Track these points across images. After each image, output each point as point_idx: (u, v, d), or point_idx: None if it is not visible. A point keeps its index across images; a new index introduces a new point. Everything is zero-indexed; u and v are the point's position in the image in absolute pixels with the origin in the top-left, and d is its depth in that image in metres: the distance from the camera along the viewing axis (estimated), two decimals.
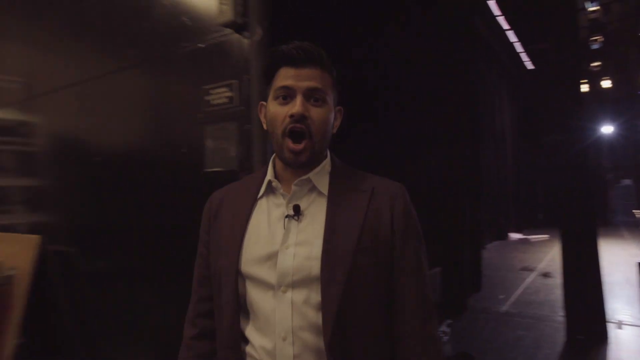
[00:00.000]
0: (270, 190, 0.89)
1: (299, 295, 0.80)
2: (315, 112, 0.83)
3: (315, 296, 0.79)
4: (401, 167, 3.00)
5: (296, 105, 0.81)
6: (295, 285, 0.80)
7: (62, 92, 1.92)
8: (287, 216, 0.85)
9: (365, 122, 2.30)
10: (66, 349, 2.06)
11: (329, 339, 0.77)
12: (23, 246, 2.00)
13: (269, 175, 0.89)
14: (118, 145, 1.73)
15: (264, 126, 0.88)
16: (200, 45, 1.36)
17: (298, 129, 0.81)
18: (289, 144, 0.82)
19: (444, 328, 2.90)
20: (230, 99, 1.28)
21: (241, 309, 0.85)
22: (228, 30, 1.27)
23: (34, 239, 2.00)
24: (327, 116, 0.85)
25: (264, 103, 0.89)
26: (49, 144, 2.14)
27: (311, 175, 0.87)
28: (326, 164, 0.90)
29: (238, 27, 1.24)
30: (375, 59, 2.49)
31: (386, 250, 0.84)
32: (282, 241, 0.83)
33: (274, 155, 0.91)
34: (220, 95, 1.31)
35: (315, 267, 0.80)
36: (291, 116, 0.81)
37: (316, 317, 0.79)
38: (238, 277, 0.84)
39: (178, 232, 1.50)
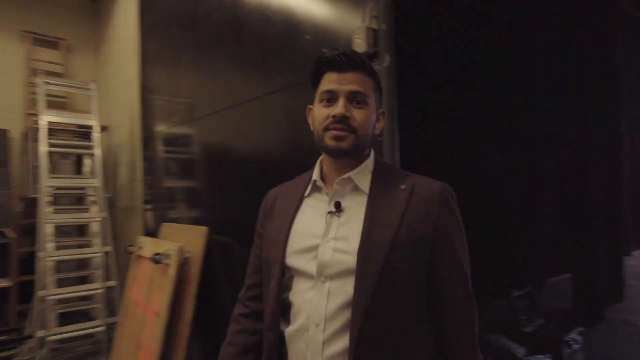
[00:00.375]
0: (316, 189, 0.97)
1: (335, 286, 0.84)
2: (357, 113, 0.89)
3: (350, 289, 0.83)
4: (530, 164, 2.95)
5: (338, 107, 0.87)
6: (333, 277, 0.85)
7: (222, 112, 2.37)
8: (329, 212, 0.90)
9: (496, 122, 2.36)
10: (225, 325, 2.53)
11: (356, 331, 0.80)
12: (196, 235, 2.53)
13: (315, 175, 0.97)
14: (267, 154, 2.11)
15: (311, 127, 0.97)
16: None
17: (338, 127, 0.88)
18: (332, 132, 0.88)
19: (574, 335, 2.78)
20: None
21: (283, 296, 0.92)
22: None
23: (203, 229, 2.51)
24: (368, 117, 0.90)
25: (311, 107, 0.97)
26: (209, 153, 2.63)
27: (352, 174, 0.92)
28: (369, 163, 0.94)
29: (370, 56, 1.47)
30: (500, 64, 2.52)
31: (424, 247, 0.86)
32: (323, 235, 0.88)
33: (321, 157, 0.99)
34: None
35: (351, 261, 0.84)
36: (333, 116, 0.87)
37: (348, 308, 0.83)
38: (284, 268, 0.92)
39: None
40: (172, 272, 2.39)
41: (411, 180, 0.91)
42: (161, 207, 3.20)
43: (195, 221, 2.75)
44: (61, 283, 3.48)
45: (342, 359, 0.82)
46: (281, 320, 0.92)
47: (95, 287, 3.44)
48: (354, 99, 0.89)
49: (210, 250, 2.52)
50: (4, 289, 3.60)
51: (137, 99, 3.55)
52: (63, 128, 3.80)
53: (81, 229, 4.08)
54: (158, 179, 3.23)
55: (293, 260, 0.90)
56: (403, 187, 0.90)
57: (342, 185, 0.92)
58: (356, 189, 0.92)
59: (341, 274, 0.85)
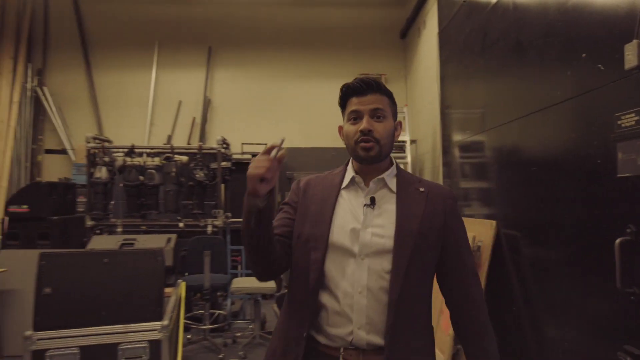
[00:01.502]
0: (352, 183, 1.18)
1: (373, 262, 1.08)
2: (378, 126, 1.12)
3: (387, 264, 1.07)
4: None
5: (363, 123, 1.11)
6: (370, 255, 1.08)
7: (507, 123, 2.80)
8: (365, 205, 1.13)
9: None
10: (512, 305, 2.91)
11: (396, 295, 1.05)
12: (486, 228, 3.04)
13: (352, 172, 1.19)
14: (547, 157, 2.41)
15: (343, 142, 1.19)
16: (612, 84, 1.84)
17: (365, 139, 1.10)
18: (362, 144, 1.11)
19: None
20: (637, 122, 1.69)
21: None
22: (634, 72, 1.69)
23: (492, 223, 2.99)
24: (387, 128, 1.14)
25: (342, 125, 1.20)
26: (497, 157, 3.08)
27: (384, 176, 1.16)
28: (393, 169, 1.19)
29: None
30: None
31: (438, 236, 1.12)
32: (363, 222, 1.11)
33: (349, 161, 1.23)
34: (628, 119, 1.74)
35: (387, 243, 1.08)
36: (361, 131, 1.11)
37: (385, 280, 1.07)
38: (328, 244, 1.10)
39: (592, 228, 1.99)
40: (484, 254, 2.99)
41: (424, 184, 1.19)
42: (459, 205, 3.84)
43: (486, 217, 3.25)
44: None
45: (380, 318, 1.06)
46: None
47: None
48: (374, 114, 1.13)
49: (500, 241, 2.96)
50: None
51: (437, 115, 4.36)
52: None
53: None
54: (455, 181, 3.90)
55: (337, 238, 1.10)
56: (422, 189, 1.17)
57: (376, 184, 1.16)
58: (386, 187, 1.17)
59: (377, 253, 1.08)
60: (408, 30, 5.87)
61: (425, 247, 1.10)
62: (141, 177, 4.36)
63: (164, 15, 6.15)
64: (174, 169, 4.37)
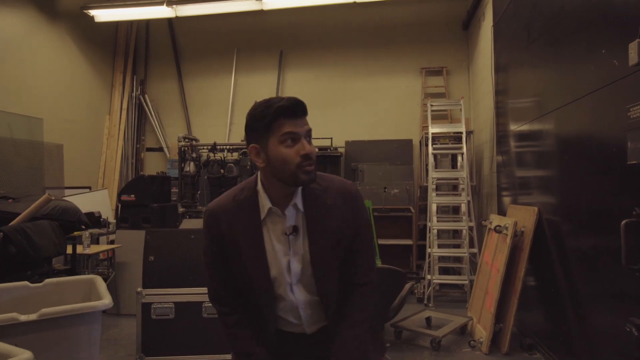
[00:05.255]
0: (270, 213, 1.21)
1: (305, 285, 1.25)
2: (311, 147, 1.14)
3: (314, 281, 1.23)
4: None
5: (306, 147, 1.12)
6: (301, 280, 1.24)
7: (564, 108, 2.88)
8: (288, 234, 1.20)
9: None
10: (550, 284, 3.02)
11: (329, 300, 1.26)
12: (529, 214, 3.17)
13: (267, 202, 1.20)
14: (575, 146, 2.53)
15: (258, 163, 1.17)
16: (624, 79, 1.98)
17: (310, 163, 1.12)
18: (305, 168, 1.12)
19: None
20: None
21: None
22: (636, 69, 1.84)
23: (534, 209, 3.12)
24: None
25: (257, 146, 1.15)
26: (544, 148, 3.18)
27: (296, 201, 1.20)
28: (299, 190, 1.21)
29: None
30: None
31: (349, 236, 1.24)
32: (291, 252, 1.21)
33: (258, 182, 1.22)
34: (636, 111, 1.89)
35: (308, 267, 1.21)
36: (305, 155, 1.11)
37: (316, 292, 1.24)
38: (271, 281, 1.22)
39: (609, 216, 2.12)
40: (508, 240, 3.17)
41: (330, 192, 1.23)
42: (511, 193, 3.96)
43: (532, 204, 3.37)
44: (441, 246, 4.90)
45: (320, 316, 1.29)
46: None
47: (462, 252, 4.64)
48: (308, 135, 1.14)
49: (542, 226, 3.09)
50: (408, 247, 5.40)
51: (492, 106, 4.45)
52: (443, 135, 5.21)
53: (455, 209, 5.41)
54: (510, 170, 4.01)
55: (276, 272, 1.22)
56: (329, 201, 1.22)
57: (291, 211, 1.21)
58: (299, 212, 1.22)
59: (304, 277, 1.23)
60: (470, 22, 5.91)
61: (341, 248, 1.24)
62: (222, 170, 5.05)
63: (242, 24, 6.85)
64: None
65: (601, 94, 2.20)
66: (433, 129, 4.96)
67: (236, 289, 1.30)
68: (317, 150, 1.47)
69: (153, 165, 7.01)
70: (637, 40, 1.80)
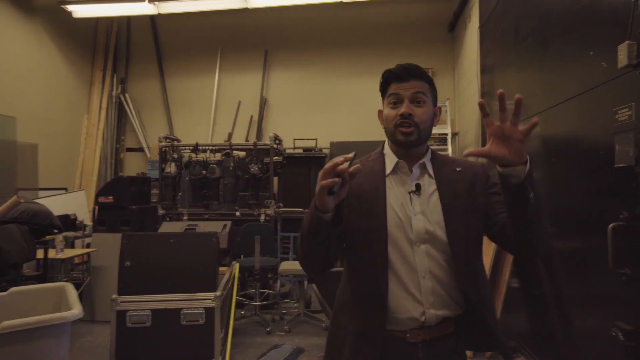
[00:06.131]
0: (395, 170, 1.18)
1: (429, 249, 1.10)
2: (418, 110, 1.12)
3: (442, 252, 1.10)
4: None
5: (404, 107, 1.12)
6: (425, 242, 1.11)
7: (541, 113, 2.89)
8: (411, 192, 1.14)
9: None
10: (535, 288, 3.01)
11: (462, 277, 1.09)
12: None
13: (393, 157, 1.18)
14: (562, 149, 2.51)
15: (382, 126, 1.20)
16: (612, 81, 1.95)
17: (405, 122, 1.11)
18: (401, 129, 1.12)
19: None
20: (630, 116, 1.81)
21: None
22: (627, 70, 1.80)
23: None
24: (427, 113, 1.13)
25: (381, 109, 1.20)
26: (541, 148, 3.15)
27: (425, 161, 1.17)
28: (429, 154, 1.20)
29: (634, 67, 1.76)
30: None
31: (482, 208, 1.13)
32: (413, 210, 1.12)
33: (385, 144, 1.22)
34: (623, 114, 1.85)
35: (438, 231, 1.10)
36: (401, 115, 1.11)
37: (443, 261, 1.10)
38: (387, 235, 1.11)
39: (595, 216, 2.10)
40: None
41: (458, 163, 1.21)
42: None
43: None
44: None
45: (448, 293, 1.11)
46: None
47: None
48: (415, 99, 1.13)
49: None
50: None
51: (478, 108, 4.43)
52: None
53: None
54: (496, 173, 3.98)
55: (394, 228, 1.12)
56: (458, 169, 1.19)
57: (418, 169, 1.17)
58: (427, 173, 1.18)
59: (431, 240, 1.11)
60: (455, 23, 5.91)
61: (474, 222, 1.13)
62: (204, 172, 4.92)
63: (226, 23, 6.72)
64: (232, 164, 4.88)
65: (589, 96, 2.18)
66: None
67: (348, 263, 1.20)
68: (423, 114, 1.15)
69: (133, 166, 6.83)
70: (627, 41, 1.77)
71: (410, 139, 1.13)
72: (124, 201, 4.43)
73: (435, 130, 5.08)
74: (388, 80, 1.17)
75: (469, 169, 1.19)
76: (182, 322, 2.80)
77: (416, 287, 1.10)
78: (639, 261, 1.76)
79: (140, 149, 6.88)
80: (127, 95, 6.85)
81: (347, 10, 6.37)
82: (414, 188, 1.14)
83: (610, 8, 1.98)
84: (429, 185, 1.16)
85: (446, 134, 4.86)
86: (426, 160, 1.18)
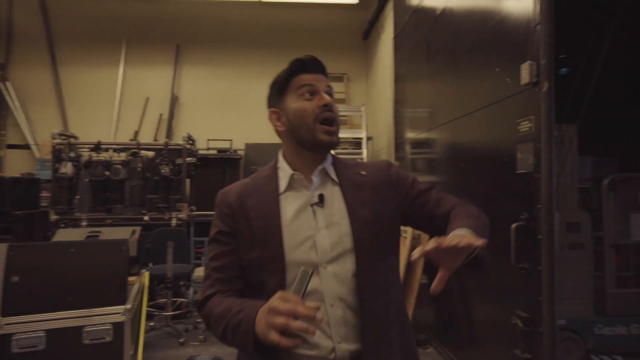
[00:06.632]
0: (291, 183, 1.01)
1: (338, 267, 0.95)
2: (332, 102, 1.00)
3: (351, 265, 0.95)
4: None
5: (323, 97, 0.98)
6: (333, 260, 0.95)
7: (447, 123, 3.12)
8: (313, 204, 0.98)
9: None
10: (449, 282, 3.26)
11: (367, 294, 0.94)
12: None
13: (287, 169, 1.02)
14: (471, 155, 2.74)
15: (279, 128, 1.04)
16: (515, 95, 2.17)
17: (330, 115, 0.98)
18: (324, 127, 0.97)
19: None
20: (530, 127, 2.03)
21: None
22: (528, 87, 2.02)
23: None
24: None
25: (276, 110, 1.04)
26: (439, 154, 3.41)
27: (326, 166, 1.03)
28: (329, 157, 1.06)
29: (533, 84, 1.97)
30: None
31: (394, 213, 1.02)
32: (315, 226, 0.96)
33: (281, 154, 1.07)
34: (524, 125, 2.07)
35: (347, 242, 0.96)
36: (324, 105, 0.98)
37: (352, 282, 0.95)
38: (285, 265, 0.93)
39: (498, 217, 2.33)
40: (407, 242, 3.32)
41: (362, 166, 1.09)
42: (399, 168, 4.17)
43: None
44: None
45: (356, 321, 0.94)
46: None
47: None
48: (328, 92, 1.01)
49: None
50: None
51: (391, 114, 4.68)
52: (343, 140, 5.33)
53: None
54: None
55: (293, 254, 0.94)
56: (363, 172, 1.06)
57: (319, 177, 1.02)
58: (329, 179, 1.04)
59: (339, 256, 0.96)
60: (370, 32, 6.16)
61: (384, 230, 1.00)
62: (107, 172, 4.48)
63: (132, 12, 6.21)
64: (140, 164, 4.51)
65: (495, 108, 2.40)
66: None
67: (241, 289, 1.00)
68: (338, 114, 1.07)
69: (17, 165, 5.96)
70: (528, 61, 1.98)
71: (334, 139, 1.00)
72: (4, 206, 3.86)
73: (351, 135, 5.25)
74: (296, 70, 1.02)
75: (375, 170, 1.08)
76: (85, 342, 2.50)
77: (324, 319, 0.93)
78: (536, 257, 1.98)
79: (26, 146, 6.04)
80: (7, 83, 5.98)
81: (264, 11, 6.30)
82: (316, 199, 0.99)
83: (513, 30, 2.20)
84: (333, 192, 1.02)
85: (361, 138, 5.04)
86: (327, 164, 1.04)
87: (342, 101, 6.28)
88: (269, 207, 0.99)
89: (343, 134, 5.26)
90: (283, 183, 1.02)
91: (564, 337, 2.69)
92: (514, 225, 2.08)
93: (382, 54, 5.33)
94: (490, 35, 2.46)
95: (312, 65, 1.01)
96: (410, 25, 4.06)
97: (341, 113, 5.59)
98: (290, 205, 0.99)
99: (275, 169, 1.06)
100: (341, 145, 5.27)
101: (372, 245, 0.97)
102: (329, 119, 0.98)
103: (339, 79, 6.42)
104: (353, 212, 0.98)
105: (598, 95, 3.31)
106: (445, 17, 3.16)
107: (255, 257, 0.96)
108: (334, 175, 1.04)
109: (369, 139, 5.25)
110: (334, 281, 0.95)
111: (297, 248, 0.95)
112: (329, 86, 1.03)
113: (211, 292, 0.99)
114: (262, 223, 0.97)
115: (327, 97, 0.99)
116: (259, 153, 6.06)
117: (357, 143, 5.20)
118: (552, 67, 1.92)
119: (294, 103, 1.00)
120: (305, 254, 0.95)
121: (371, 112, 5.95)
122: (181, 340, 3.56)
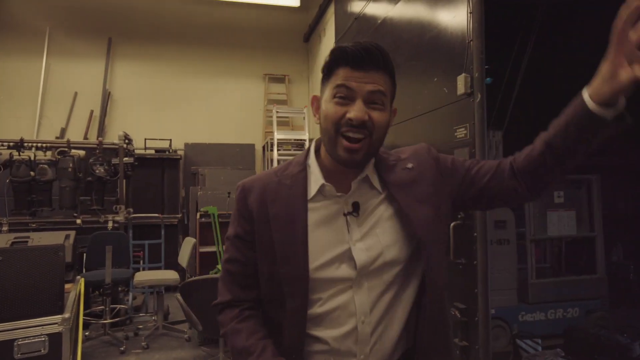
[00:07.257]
0: (321, 191, 0.87)
1: (372, 281, 0.84)
2: (376, 115, 0.82)
3: (387, 277, 0.85)
4: None
5: (355, 110, 0.80)
6: (370, 274, 0.84)
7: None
8: (347, 214, 0.85)
9: None
10: None
11: (428, 298, 0.86)
12: None
13: (319, 176, 0.87)
14: None
15: (315, 118, 0.90)
16: (452, 104, 2.36)
17: (354, 138, 0.81)
18: (344, 142, 0.81)
19: None
20: (465, 134, 2.22)
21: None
22: (464, 97, 2.22)
23: None
24: (385, 119, 0.84)
25: (318, 96, 0.89)
26: None
27: (368, 172, 0.88)
28: (372, 160, 0.90)
29: (468, 95, 2.17)
30: None
31: (447, 201, 0.92)
32: (350, 239, 0.84)
33: (310, 150, 0.93)
34: (461, 132, 2.27)
35: (387, 254, 0.85)
36: (350, 120, 0.80)
37: (388, 296, 0.85)
38: (309, 286, 0.82)
39: None
40: None
41: (405, 157, 0.95)
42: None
43: None
44: None
45: (390, 336, 0.86)
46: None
47: None
48: (371, 99, 0.82)
49: None
50: None
51: None
52: (286, 141, 5.39)
53: None
54: None
55: (321, 273, 0.84)
56: (409, 165, 0.92)
57: (358, 184, 0.88)
58: (369, 186, 0.90)
59: (377, 270, 0.85)
60: (311, 35, 6.27)
61: (444, 224, 0.92)
62: (32, 173, 4.15)
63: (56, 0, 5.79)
64: (71, 164, 4.23)
65: (435, 114, 2.59)
66: (279, 135, 5.08)
67: (260, 296, 0.92)
68: (379, 121, 0.84)
69: None
70: (464, 74, 2.18)
71: (356, 157, 0.83)
72: None
73: (293, 136, 5.32)
74: (337, 61, 0.84)
75: (419, 160, 0.95)
76: (16, 356, 2.33)
77: (351, 338, 0.84)
78: (472, 253, 2.18)
79: None
80: None
81: (203, 7, 6.17)
82: (350, 208, 0.87)
83: (450, 44, 2.40)
84: (374, 202, 0.89)
85: (304, 140, 5.12)
86: (369, 171, 0.90)
87: (283, 102, 6.33)
88: (294, 217, 0.86)
89: (288, 135, 5.32)
90: (313, 188, 0.88)
91: (494, 325, 2.97)
92: (452, 224, 2.27)
93: (323, 57, 5.43)
94: (429, 47, 2.65)
95: (357, 58, 0.81)
96: (352, 32, 4.21)
97: (285, 114, 5.66)
98: (319, 215, 0.87)
99: (304, 166, 0.91)
100: (284, 147, 5.32)
101: (435, 244, 0.88)
102: (353, 140, 0.81)
103: (280, 80, 6.46)
104: (413, 214, 0.87)
105: (520, 104, 3.67)
106: (386, 26, 3.33)
107: (274, 272, 0.85)
108: (376, 183, 0.90)
109: (311, 140, 5.35)
110: (367, 297, 0.85)
111: (327, 266, 0.84)
112: (380, 91, 0.83)
113: (226, 300, 0.92)
114: (285, 236, 0.85)
115: (360, 110, 0.81)
116: (199, 153, 5.93)
117: (299, 144, 5.27)
118: (483, 79, 2.12)
119: (326, 101, 0.85)
120: (335, 270, 0.84)
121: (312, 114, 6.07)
122: (122, 348, 3.41)
